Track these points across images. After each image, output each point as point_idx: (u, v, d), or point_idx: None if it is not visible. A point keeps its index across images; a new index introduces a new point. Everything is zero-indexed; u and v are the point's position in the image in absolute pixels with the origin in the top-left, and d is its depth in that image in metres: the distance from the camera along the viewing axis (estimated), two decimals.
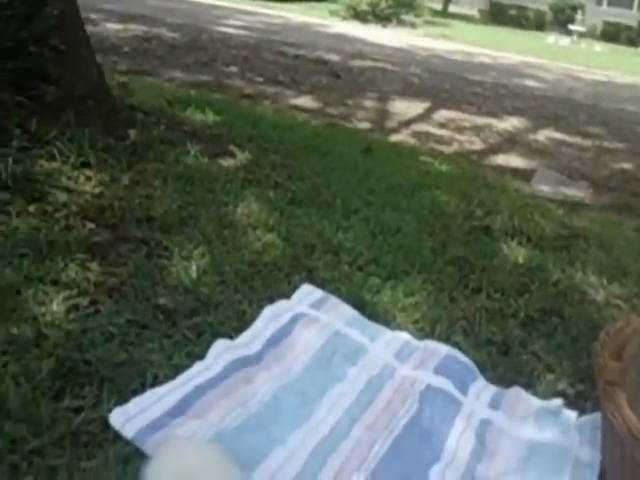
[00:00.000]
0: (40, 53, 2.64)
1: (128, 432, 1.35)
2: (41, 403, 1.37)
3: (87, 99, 2.85)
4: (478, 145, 5.01)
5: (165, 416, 1.42)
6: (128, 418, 1.38)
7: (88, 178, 2.57)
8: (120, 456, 1.30)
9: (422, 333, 2.04)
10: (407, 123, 5.28)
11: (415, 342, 1.97)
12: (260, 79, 6.07)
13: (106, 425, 1.37)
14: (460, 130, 5.35)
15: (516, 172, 4.31)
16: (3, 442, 1.25)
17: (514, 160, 4.70)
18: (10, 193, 2.28)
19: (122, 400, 1.45)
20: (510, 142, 5.25)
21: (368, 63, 8.32)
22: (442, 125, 5.44)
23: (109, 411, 1.40)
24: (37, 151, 2.54)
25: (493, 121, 5.90)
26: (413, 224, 2.79)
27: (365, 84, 6.77)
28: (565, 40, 20.09)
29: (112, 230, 2.26)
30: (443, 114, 5.86)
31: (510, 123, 5.97)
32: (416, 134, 4.97)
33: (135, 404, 1.43)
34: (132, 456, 1.31)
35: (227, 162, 3.13)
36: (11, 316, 1.67)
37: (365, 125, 4.99)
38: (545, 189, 3.89)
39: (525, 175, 4.24)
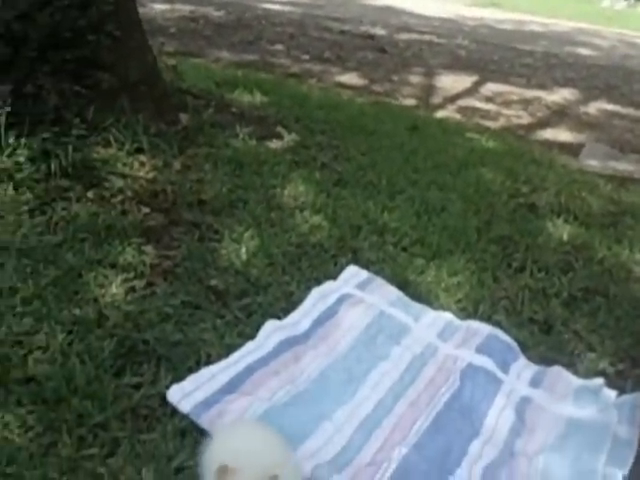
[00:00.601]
0: (97, 41, 2.73)
1: (184, 407, 1.46)
2: (104, 380, 1.49)
3: (140, 85, 2.94)
4: (526, 119, 4.92)
5: (218, 392, 1.52)
6: (184, 394, 1.49)
7: (142, 164, 2.67)
8: (177, 429, 1.41)
9: (465, 313, 2.09)
10: (453, 98, 5.22)
11: (457, 322, 2.01)
12: (306, 57, 6.07)
13: (164, 401, 1.48)
14: (507, 104, 5.26)
15: (564, 147, 4.23)
16: (71, 416, 1.37)
17: (563, 134, 4.60)
18: (70, 180, 2.40)
19: (178, 377, 1.56)
20: (559, 115, 5.13)
21: (414, 36, 8.19)
22: (489, 99, 5.35)
23: (166, 388, 1.51)
24: (94, 138, 2.66)
25: (542, 93, 5.76)
26: (458, 203, 2.81)
27: (411, 58, 6.69)
28: (621, 3, 19.16)
29: (165, 214, 2.36)
30: (490, 87, 5.75)
31: (560, 95, 5.82)
32: (462, 109, 4.92)
33: (190, 381, 1.53)
34: (188, 429, 1.41)
35: (275, 144, 3.19)
36: (74, 298, 1.79)
37: (411, 101, 4.96)
38: (594, 164, 3.82)
39: (573, 149, 4.16)
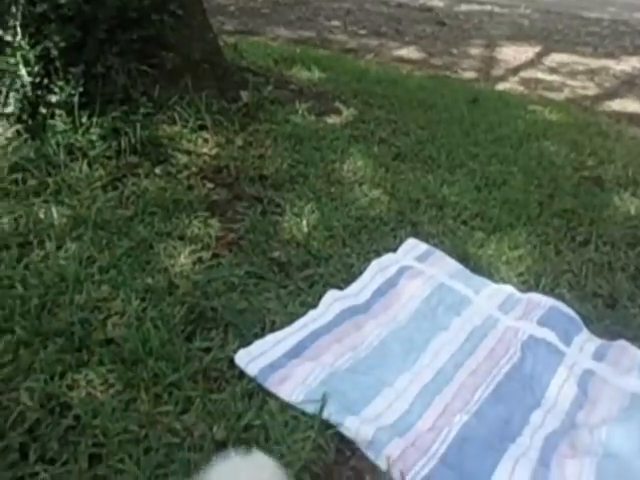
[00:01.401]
0: (160, 21, 2.81)
1: (251, 370, 1.53)
2: (176, 344, 1.57)
3: (202, 63, 3.01)
4: (592, 90, 4.75)
5: (283, 357, 1.58)
6: (251, 358, 1.55)
7: (205, 140, 2.75)
8: (245, 390, 1.48)
9: (526, 286, 2.07)
10: (515, 70, 5.09)
11: (519, 294, 2.01)
12: (363, 32, 6.04)
13: (232, 364, 1.55)
14: (573, 75, 5.09)
15: (633, 118, 4.07)
16: (147, 375, 1.46)
17: (631, 105, 4.42)
18: (138, 156, 2.50)
19: (245, 343, 1.62)
20: (628, 85, 4.93)
21: (474, 7, 7.98)
22: (553, 70, 5.19)
23: (234, 352, 1.58)
24: (160, 116, 2.74)
25: (610, 63, 5.54)
26: (519, 177, 2.77)
27: (471, 30, 6.54)
28: None
29: (229, 189, 2.43)
30: (555, 58, 5.58)
31: (629, 64, 5.58)
32: (524, 81, 4.79)
33: (257, 346, 1.60)
34: (255, 391, 1.48)
35: (333, 119, 3.22)
36: (146, 268, 1.89)
37: (470, 74, 4.87)
38: None
39: None
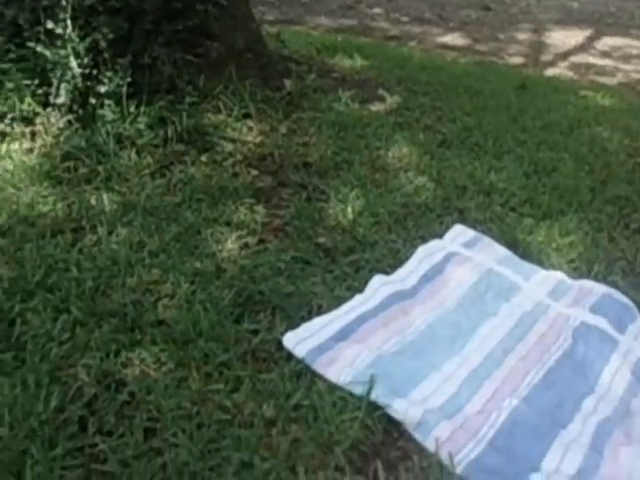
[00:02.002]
0: (205, 11, 2.84)
1: (299, 352, 1.53)
2: (225, 325, 1.60)
3: (246, 52, 3.04)
4: None
5: (331, 340, 1.58)
6: (299, 340, 1.56)
7: (250, 128, 2.78)
8: (293, 371, 1.49)
9: (578, 272, 2.03)
10: (565, 55, 4.97)
11: (570, 281, 1.96)
12: (405, 19, 5.98)
13: (279, 346, 1.57)
14: (626, 59, 4.93)
15: None
16: (198, 355, 1.49)
17: None
18: (185, 145, 2.54)
19: (292, 325, 1.63)
20: None
21: None
22: (605, 54, 5.04)
23: (281, 334, 1.59)
24: (205, 105, 2.78)
25: None
26: (570, 163, 2.70)
27: (518, 15, 6.40)
28: None
29: (273, 176, 2.45)
30: (607, 42, 5.41)
31: None
32: (575, 66, 4.67)
33: (305, 329, 1.61)
34: (303, 372, 1.49)
35: (377, 107, 3.20)
36: (194, 252, 1.92)
37: (517, 60, 4.77)
38: None
39: None
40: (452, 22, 5.89)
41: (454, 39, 5.30)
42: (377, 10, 6.31)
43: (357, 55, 3.99)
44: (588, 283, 1.95)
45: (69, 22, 2.47)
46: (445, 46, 5.03)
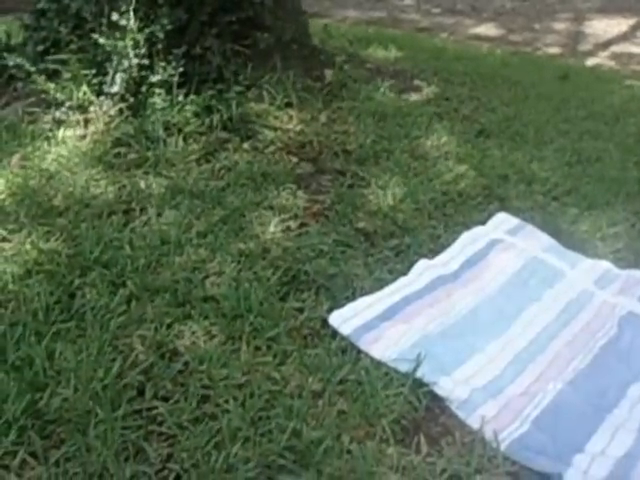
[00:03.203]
0: (260, 3, 2.90)
1: (345, 330, 1.57)
2: (273, 302, 1.64)
3: (292, 43, 3.08)
4: None
5: (376, 319, 1.61)
6: (344, 319, 1.60)
7: (291, 117, 2.81)
8: (339, 347, 1.53)
9: (624, 262, 2.01)
10: (605, 44, 4.87)
11: (616, 270, 1.95)
12: (437, 10, 5.92)
13: (324, 324, 1.60)
14: None
15: None
16: (247, 329, 1.53)
17: None
18: (228, 132, 2.59)
19: (335, 305, 1.67)
20: None
21: None
22: None
23: (326, 312, 1.63)
24: (250, 94, 2.83)
25: None
26: (615, 153, 2.68)
27: (555, 3, 6.28)
28: None
29: (313, 163, 2.48)
30: None
31: None
32: (617, 56, 4.58)
33: (349, 308, 1.64)
34: (349, 348, 1.53)
35: (414, 97, 3.20)
36: (239, 234, 1.96)
37: (554, 50, 4.71)
38: None
39: None
40: (485, 13, 5.82)
41: (487, 30, 5.24)
42: (407, 1, 6.27)
43: (391, 46, 3.99)
44: (636, 273, 1.94)
45: (132, 14, 2.54)
46: (478, 37, 4.98)
